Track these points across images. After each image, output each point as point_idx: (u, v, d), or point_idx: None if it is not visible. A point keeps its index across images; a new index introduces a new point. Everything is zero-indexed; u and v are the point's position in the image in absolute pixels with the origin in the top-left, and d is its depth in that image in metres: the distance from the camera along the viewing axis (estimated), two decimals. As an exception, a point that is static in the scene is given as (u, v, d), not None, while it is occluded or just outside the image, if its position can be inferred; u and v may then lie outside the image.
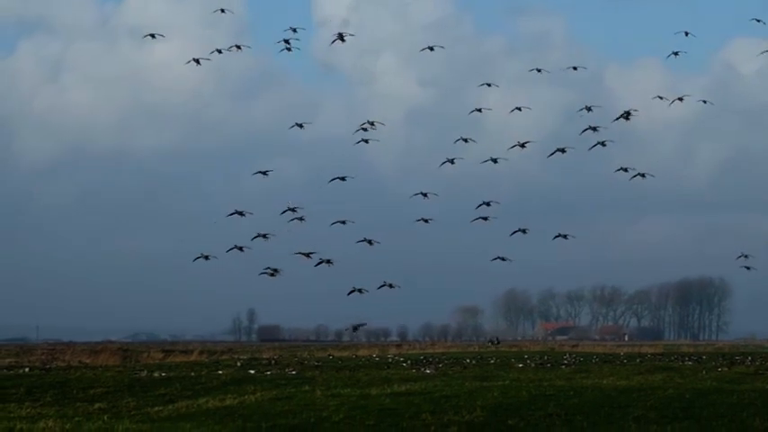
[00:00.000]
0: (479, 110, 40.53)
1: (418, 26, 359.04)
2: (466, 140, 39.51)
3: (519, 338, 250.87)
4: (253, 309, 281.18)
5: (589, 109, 39.12)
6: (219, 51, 38.75)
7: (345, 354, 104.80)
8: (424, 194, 38.73)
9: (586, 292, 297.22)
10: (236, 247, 35.30)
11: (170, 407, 36.92)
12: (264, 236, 35.94)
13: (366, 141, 39.64)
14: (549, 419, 29.68)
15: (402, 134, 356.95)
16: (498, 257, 38.47)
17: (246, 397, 39.18)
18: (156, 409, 36.35)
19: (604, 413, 31.20)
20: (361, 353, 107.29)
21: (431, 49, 38.71)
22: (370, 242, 37.60)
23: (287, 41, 37.35)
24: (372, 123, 38.46)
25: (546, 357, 79.33)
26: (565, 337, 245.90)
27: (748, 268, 40.96)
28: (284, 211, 37.54)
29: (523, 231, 38.50)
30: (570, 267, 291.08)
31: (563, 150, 38.67)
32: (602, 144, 38.46)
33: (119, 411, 35.69)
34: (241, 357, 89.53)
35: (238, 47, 38.71)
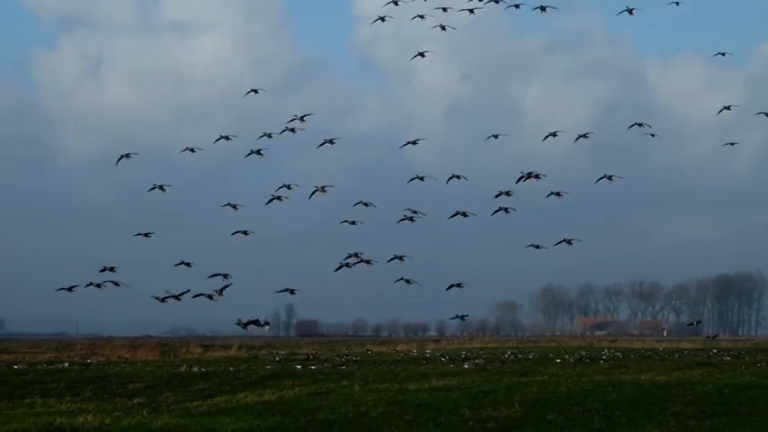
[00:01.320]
0: (495, 136, 40.08)
1: (455, 19, 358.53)
2: (496, 137, 39.24)
3: (557, 334, 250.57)
4: (291, 304, 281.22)
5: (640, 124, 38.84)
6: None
7: (384, 349, 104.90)
8: (414, 142, 38.69)
9: (625, 287, 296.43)
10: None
11: (209, 402, 37.05)
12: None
13: (414, 143, 39.37)
14: (587, 414, 29.60)
15: (441, 129, 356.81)
16: (532, 245, 38.26)
17: (285, 392, 39.26)
18: (195, 403, 36.49)
19: (643, 408, 31.06)
20: (400, 348, 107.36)
21: (442, 28, 38.56)
22: (412, 218, 37.49)
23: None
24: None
25: (584, 353, 79.03)
26: (603, 333, 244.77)
27: None
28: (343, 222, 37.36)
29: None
30: (609, 262, 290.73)
31: (585, 136, 38.41)
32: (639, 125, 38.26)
33: (158, 406, 35.85)
34: (279, 352, 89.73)
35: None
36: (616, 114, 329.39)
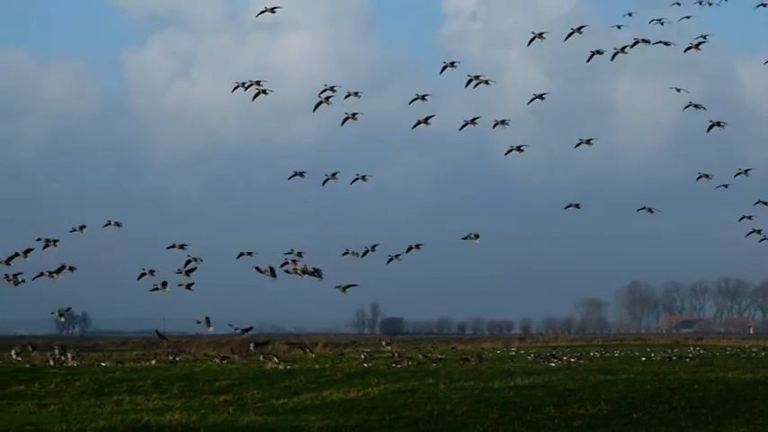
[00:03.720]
0: (588, 141, 39.28)
1: (547, 17, 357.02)
2: (588, 142, 38.63)
3: (643, 332, 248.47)
4: (376, 302, 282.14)
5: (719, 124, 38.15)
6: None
7: (468, 347, 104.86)
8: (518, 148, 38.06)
9: (711, 284, 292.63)
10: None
11: (294, 399, 37.15)
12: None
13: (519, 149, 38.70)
14: (673, 413, 29.31)
15: (528, 126, 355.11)
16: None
17: (370, 389, 39.27)
18: (281, 401, 36.61)
19: (729, 407, 30.71)
20: (485, 346, 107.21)
21: (540, 36, 37.88)
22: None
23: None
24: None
25: (670, 351, 78.31)
26: (689, 331, 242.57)
27: None
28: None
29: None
30: (695, 260, 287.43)
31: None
32: (719, 125, 37.59)
33: (244, 404, 36.03)
34: (365, 350, 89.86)
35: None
36: (706, 111, 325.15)
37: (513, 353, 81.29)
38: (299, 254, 33.50)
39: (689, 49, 35.72)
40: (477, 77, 34.50)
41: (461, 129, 34.77)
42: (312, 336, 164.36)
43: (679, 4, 36.52)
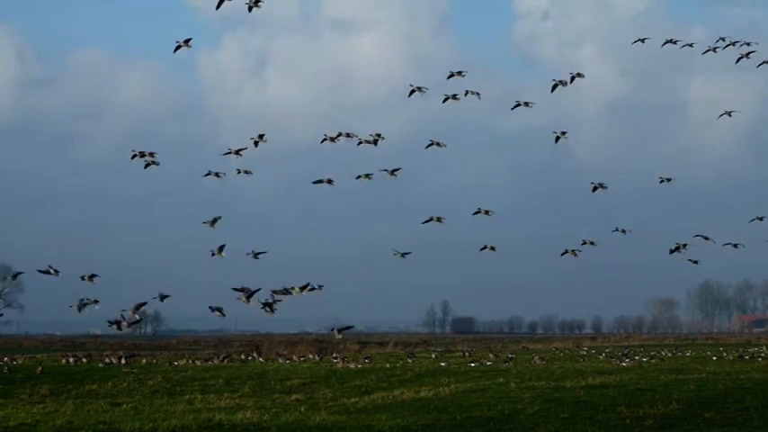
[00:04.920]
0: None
1: (619, 17, 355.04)
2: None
3: (715, 331, 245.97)
4: (447, 301, 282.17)
5: None
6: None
7: (539, 346, 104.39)
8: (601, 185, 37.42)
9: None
10: None
11: (366, 398, 37.19)
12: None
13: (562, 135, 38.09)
14: (745, 413, 28.97)
15: (602, 124, 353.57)
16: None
17: (441, 389, 39.25)
18: (353, 400, 36.67)
19: (803, 407, 30.25)
20: (556, 345, 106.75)
21: (642, 41, 37.46)
22: (623, 230, 36.68)
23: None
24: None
25: (742, 350, 77.46)
26: (762, 330, 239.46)
27: None
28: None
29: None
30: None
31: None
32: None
33: (315, 403, 36.11)
34: (435, 349, 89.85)
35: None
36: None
37: (585, 352, 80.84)
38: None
39: None
40: (561, 82, 34.35)
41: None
42: (383, 335, 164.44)
43: None
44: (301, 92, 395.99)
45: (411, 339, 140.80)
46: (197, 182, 32.04)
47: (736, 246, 34.36)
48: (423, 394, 37.43)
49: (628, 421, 27.54)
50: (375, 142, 32.43)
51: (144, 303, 29.36)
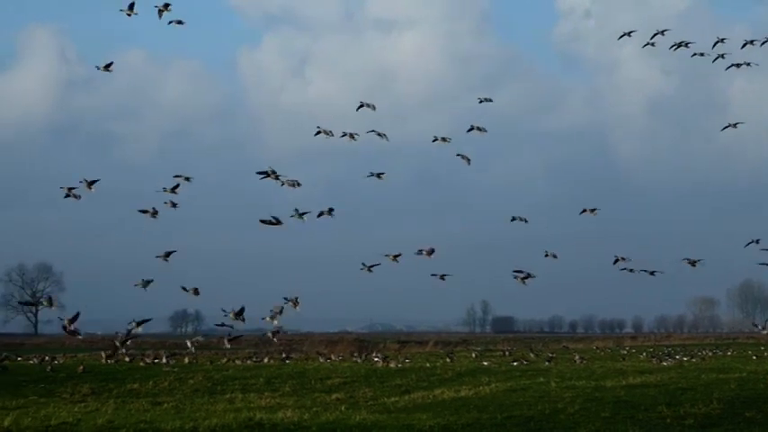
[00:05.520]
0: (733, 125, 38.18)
1: (661, 15, 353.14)
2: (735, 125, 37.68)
3: (756, 330, 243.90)
4: (486, 300, 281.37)
5: None
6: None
7: (580, 345, 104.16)
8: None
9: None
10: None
11: (406, 397, 37.20)
12: None
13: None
14: (787, 412, 28.78)
15: (644, 122, 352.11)
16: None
17: (481, 388, 39.20)
18: (393, 399, 36.68)
19: None
20: (596, 344, 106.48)
21: (686, 45, 37.10)
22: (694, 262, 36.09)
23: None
24: None
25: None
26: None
27: None
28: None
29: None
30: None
31: None
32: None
33: (356, 402, 36.14)
34: (475, 349, 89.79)
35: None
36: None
37: (625, 351, 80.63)
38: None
39: None
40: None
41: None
42: (423, 334, 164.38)
43: None
44: (343, 91, 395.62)
45: (451, 339, 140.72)
46: (238, 181, 31.86)
47: None
48: (463, 393, 37.41)
49: (668, 421, 27.43)
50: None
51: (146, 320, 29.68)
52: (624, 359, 65.87)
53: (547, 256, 33.44)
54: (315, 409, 32.73)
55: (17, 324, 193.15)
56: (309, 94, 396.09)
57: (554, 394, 34.93)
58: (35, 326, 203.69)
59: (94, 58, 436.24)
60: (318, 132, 32.64)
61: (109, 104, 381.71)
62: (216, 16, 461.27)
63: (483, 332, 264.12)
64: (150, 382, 45.98)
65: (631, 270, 33.38)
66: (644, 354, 71.88)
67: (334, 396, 38.81)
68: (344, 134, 32.69)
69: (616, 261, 33.54)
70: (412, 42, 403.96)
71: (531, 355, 70.27)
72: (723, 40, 35.80)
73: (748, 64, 35.11)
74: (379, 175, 32.50)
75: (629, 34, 37.38)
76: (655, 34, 36.51)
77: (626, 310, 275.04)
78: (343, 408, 33.22)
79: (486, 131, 33.87)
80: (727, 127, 36.97)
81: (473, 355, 71.59)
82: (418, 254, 31.19)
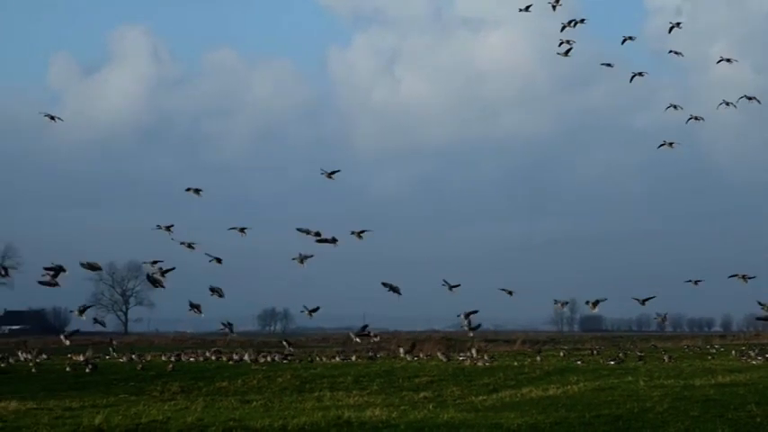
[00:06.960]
0: None
1: (753, 12, 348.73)
2: None
3: None
4: (574, 299, 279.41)
5: None
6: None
7: (668, 344, 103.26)
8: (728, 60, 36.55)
9: None
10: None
11: (494, 396, 37.22)
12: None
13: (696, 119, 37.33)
14: None
15: (735, 121, 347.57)
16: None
17: (569, 387, 39.07)
18: (480, 398, 36.72)
19: None
20: (684, 343, 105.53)
21: None
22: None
23: None
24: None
25: None
26: None
27: None
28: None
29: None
30: None
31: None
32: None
33: (443, 400, 36.23)
34: (563, 347, 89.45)
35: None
36: None
37: (714, 350, 79.86)
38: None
39: None
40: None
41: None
42: (510, 332, 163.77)
43: None
44: (432, 90, 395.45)
45: (539, 337, 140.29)
46: (327, 180, 31.74)
47: None
48: (551, 392, 37.31)
49: (758, 420, 27.17)
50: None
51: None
52: (713, 358, 65.25)
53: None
54: (403, 407, 32.84)
55: (108, 323, 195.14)
56: (400, 92, 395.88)
57: (642, 393, 34.72)
58: (125, 324, 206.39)
59: (186, 57, 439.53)
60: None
61: (199, 104, 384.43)
62: (306, 15, 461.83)
63: (571, 331, 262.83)
64: (239, 380, 46.47)
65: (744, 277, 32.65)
66: (733, 352, 71.11)
67: (421, 394, 38.94)
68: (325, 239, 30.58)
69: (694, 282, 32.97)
70: (501, 41, 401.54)
71: (620, 353, 69.85)
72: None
73: None
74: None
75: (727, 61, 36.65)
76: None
77: (715, 308, 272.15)
78: (430, 406, 33.31)
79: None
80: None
81: (561, 353, 71.37)
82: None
